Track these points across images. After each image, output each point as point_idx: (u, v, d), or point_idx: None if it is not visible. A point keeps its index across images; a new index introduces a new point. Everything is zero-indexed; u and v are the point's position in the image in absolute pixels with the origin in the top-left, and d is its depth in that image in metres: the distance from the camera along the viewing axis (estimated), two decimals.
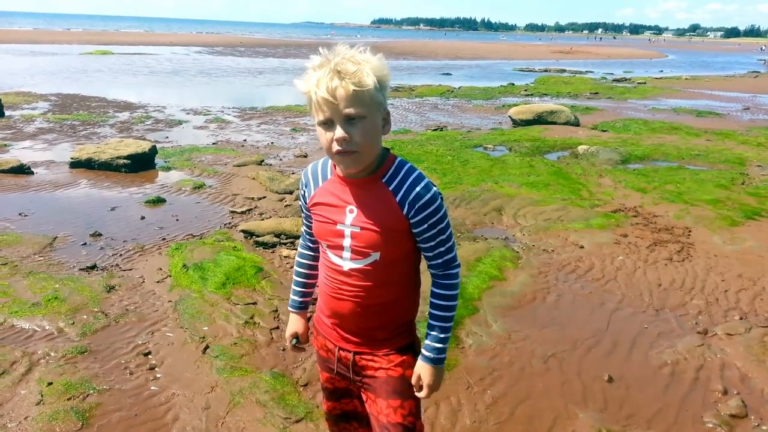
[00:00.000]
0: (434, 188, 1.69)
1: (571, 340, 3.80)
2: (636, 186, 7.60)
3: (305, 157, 9.17)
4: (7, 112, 12.17)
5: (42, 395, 3.07)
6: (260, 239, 5.36)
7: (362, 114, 1.57)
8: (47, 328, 3.77)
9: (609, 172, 8.33)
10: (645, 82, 25.08)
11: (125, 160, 7.86)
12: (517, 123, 12.81)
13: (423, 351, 1.79)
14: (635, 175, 8.20)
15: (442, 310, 1.76)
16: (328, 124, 1.59)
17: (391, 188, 1.67)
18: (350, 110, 1.55)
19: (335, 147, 1.59)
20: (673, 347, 3.75)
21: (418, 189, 1.65)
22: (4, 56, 29.10)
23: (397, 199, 1.66)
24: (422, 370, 1.78)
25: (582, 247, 5.43)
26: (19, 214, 5.95)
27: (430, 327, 1.78)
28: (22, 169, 7.61)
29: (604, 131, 12.13)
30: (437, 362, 1.77)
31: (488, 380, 3.35)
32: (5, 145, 9.40)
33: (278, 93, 18.48)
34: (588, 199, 7.00)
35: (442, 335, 1.77)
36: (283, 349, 3.62)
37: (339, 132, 1.57)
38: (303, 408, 3.06)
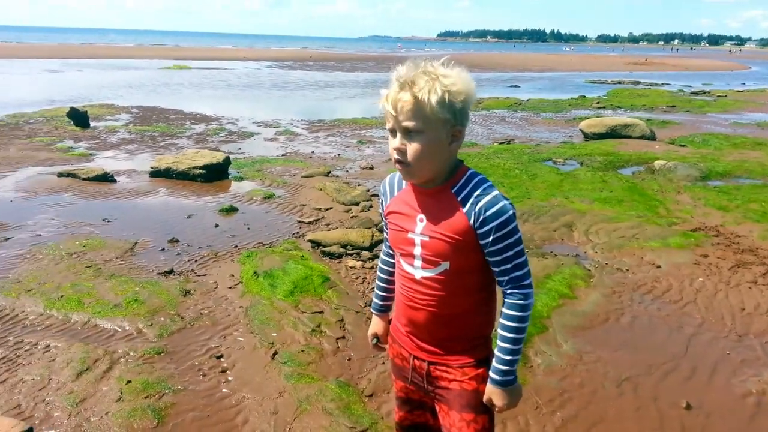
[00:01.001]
0: (504, 201, 1.65)
1: (647, 363, 3.64)
2: (717, 204, 7.23)
3: (371, 169, 9.26)
4: (92, 123, 12.93)
5: (121, 392, 3.22)
6: (327, 249, 5.44)
7: (420, 129, 1.59)
8: (127, 328, 3.96)
9: (688, 189, 7.97)
10: (726, 95, 23.91)
11: (201, 170, 8.18)
12: (588, 136, 12.48)
13: (491, 374, 1.74)
14: (716, 193, 7.81)
15: (509, 331, 1.71)
16: (392, 133, 1.66)
17: (459, 198, 1.67)
18: (408, 123, 1.60)
19: (394, 155, 1.67)
20: (759, 376, 3.53)
21: (485, 200, 1.64)
22: (90, 70, 30.99)
23: (465, 209, 1.66)
24: (491, 392, 1.75)
25: (659, 267, 5.21)
26: (103, 220, 6.29)
27: (498, 348, 1.74)
28: (106, 178, 8.05)
29: (682, 146, 11.63)
30: (505, 384, 1.73)
31: (558, 402, 3.25)
32: (91, 154, 9.98)
33: (345, 106, 18.79)
34: (665, 216, 6.72)
35: (508, 357, 1.71)
36: (349, 359, 3.65)
37: (395, 143, 1.64)
38: (368, 418, 3.06)
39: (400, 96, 1.58)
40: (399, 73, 1.62)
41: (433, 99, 1.56)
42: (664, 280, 4.92)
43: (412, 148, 1.61)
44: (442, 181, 1.70)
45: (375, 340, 2.11)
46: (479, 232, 1.65)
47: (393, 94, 1.60)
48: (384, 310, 2.09)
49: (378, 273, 2.10)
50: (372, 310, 2.13)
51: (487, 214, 1.63)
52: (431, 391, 1.85)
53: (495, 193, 1.66)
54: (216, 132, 12.68)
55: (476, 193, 1.65)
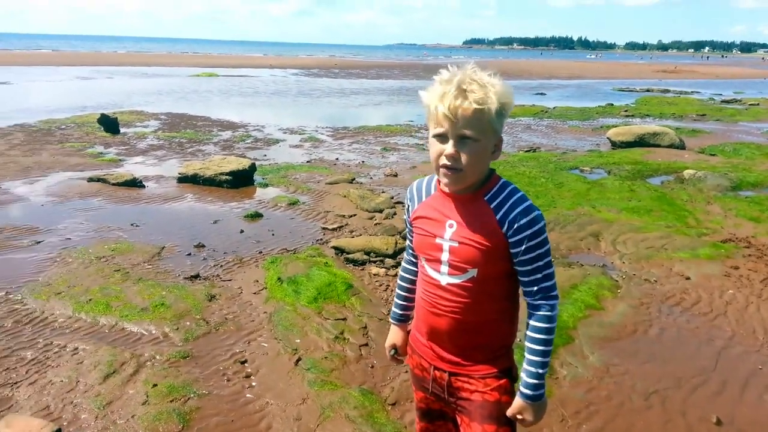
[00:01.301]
0: (537, 211, 1.67)
1: (675, 377, 3.57)
2: (748, 215, 7.07)
3: (395, 176, 9.26)
4: (122, 130, 13.18)
5: (147, 396, 3.26)
6: (350, 256, 5.45)
7: (476, 137, 1.60)
8: (154, 332, 4.01)
9: (718, 199, 7.81)
10: (758, 104, 23.41)
11: (227, 177, 8.27)
12: (616, 145, 12.32)
13: (521, 388, 1.73)
14: (747, 203, 7.64)
15: (538, 344, 1.70)
16: (441, 138, 1.63)
17: (492, 206, 1.68)
18: (466, 131, 1.59)
19: (443, 161, 1.63)
20: None
21: (519, 209, 1.65)
22: (120, 77, 31.64)
23: (498, 217, 1.66)
24: (521, 408, 1.72)
25: (688, 278, 5.11)
26: (132, 225, 6.39)
27: (527, 362, 1.72)
28: (135, 183, 8.19)
29: (713, 155, 11.42)
30: (536, 398, 1.71)
31: (584, 414, 3.20)
32: (120, 160, 10.17)
33: (370, 113, 18.87)
34: (695, 227, 6.59)
35: (540, 370, 1.70)
36: (372, 367, 3.64)
37: (449, 149, 1.61)
38: (391, 427, 3.05)
39: (459, 103, 1.57)
40: (448, 78, 1.61)
41: (493, 109, 1.58)
42: (693, 292, 4.82)
43: (467, 155, 1.61)
44: (477, 187, 1.70)
45: (393, 351, 2.09)
46: (511, 240, 1.65)
47: (451, 99, 1.57)
48: (404, 320, 2.08)
49: (399, 282, 2.08)
50: (391, 319, 2.11)
51: (521, 223, 1.64)
52: (452, 402, 1.83)
53: (528, 203, 1.67)
54: (242, 139, 12.83)
55: (510, 202, 1.66)
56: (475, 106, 1.56)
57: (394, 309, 2.10)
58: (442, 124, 1.61)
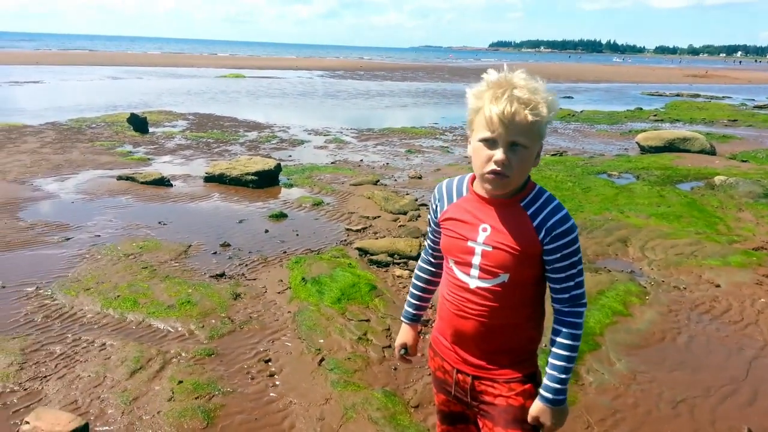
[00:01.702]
0: (572, 220, 1.67)
1: (704, 386, 3.49)
2: None
3: (419, 178, 9.24)
4: (150, 129, 13.39)
5: (173, 392, 3.30)
6: (374, 258, 5.45)
7: (527, 144, 1.59)
8: (180, 329, 4.06)
9: (750, 206, 7.64)
10: None
11: (253, 177, 8.34)
12: (645, 150, 12.13)
13: (541, 391, 1.71)
14: None
15: (564, 350, 1.69)
16: (490, 143, 1.61)
17: (529, 212, 1.67)
18: (520, 139, 1.58)
19: (491, 166, 1.61)
20: None
21: (557, 217, 1.65)
22: (149, 78, 32.15)
23: (535, 223, 1.65)
24: (540, 411, 1.71)
25: (718, 286, 5.00)
26: (159, 223, 6.48)
27: (551, 366, 1.71)
28: (163, 182, 8.31)
29: (744, 161, 11.17)
30: (556, 403, 1.69)
31: (610, 421, 3.15)
32: (149, 159, 10.33)
33: (395, 115, 18.87)
34: (725, 234, 6.45)
35: (563, 375, 1.69)
36: (395, 369, 3.63)
37: (499, 155, 1.59)
38: (414, 430, 3.04)
39: (515, 110, 1.54)
40: (498, 82, 1.59)
41: (545, 119, 1.58)
42: (723, 300, 4.72)
43: (517, 161, 1.60)
44: (514, 193, 1.69)
45: (403, 351, 2.07)
46: (547, 248, 1.65)
47: (506, 105, 1.55)
48: (416, 320, 2.06)
49: (414, 281, 2.06)
50: (403, 318, 2.09)
51: (557, 231, 1.64)
52: (475, 406, 1.82)
53: (565, 211, 1.67)
54: (268, 139, 12.94)
55: (547, 210, 1.66)
56: (531, 114, 1.54)
57: (406, 308, 2.08)
58: (495, 129, 1.58)
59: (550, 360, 1.71)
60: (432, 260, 1.98)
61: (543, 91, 1.58)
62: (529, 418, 1.72)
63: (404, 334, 2.08)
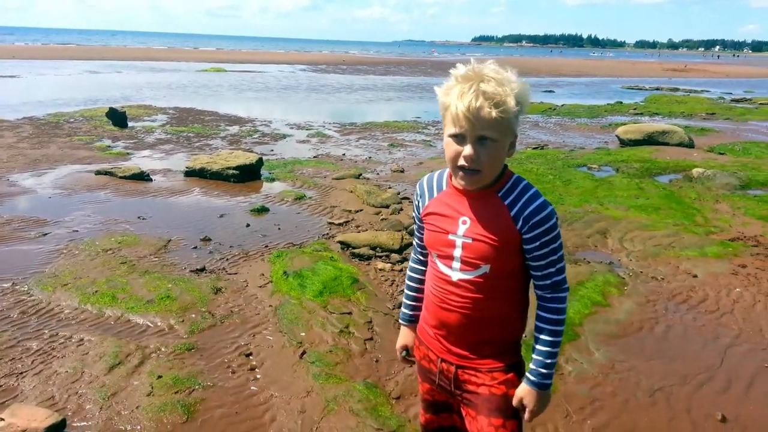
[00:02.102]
0: (550, 207, 1.67)
1: (681, 374, 3.55)
2: (757, 213, 7.02)
3: (402, 172, 9.25)
4: (130, 124, 13.22)
5: (152, 387, 3.27)
6: (356, 251, 5.45)
7: (495, 138, 1.58)
8: (159, 324, 4.02)
9: (727, 198, 7.76)
10: None
11: (234, 171, 8.28)
12: (624, 143, 12.25)
13: (527, 374, 1.74)
14: (756, 202, 7.58)
15: (549, 335, 1.72)
16: (459, 138, 1.61)
17: (506, 202, 1.67)
18: (486, 132, 1.57)
19: (461, 162, 1.61)
20: None
21: (534, 205, 1.65)
22: (128, 72, 31.74)
23: (512, 213, 1.66)
24: (525, 393, 1.73)
25: (695, 276, 5.08)
26: (138, 218, 6.41)
27: (536, 351, 1.74)
28: (142, 176, 8.22)
29: (722, 154, 11.33)
30: (541, 387, 1.72)
31: (589, 410, 3.18)
32: (128, 153, 10.20)
33: (377, 109, 18.84)
34: (703, 225, 6.55)
35: (548, 360, 1.72)
36: (377, 361, 3.64)
37: (468, 150, 1.59)
38: (395, 421, 3.05)
39: (480, 104, 1.53)
40: (466, 76, 1.58)
41: (513, 111, 1.56)
42: (700, 290, 4.79)
43: (485, 155, 1.59)
44: (490, 184, 1.69)
45: (404, 353, 2.08)
46: (525, 237, 1.65)
47: (471, 100, 1.53)
48: (414, 321, 2.05)
49: (407, 282, 2.06)
50: (401, 321, 2.09)
51: (535, 219, 1.64)
52: (458, 394, 1.83)
53: (542, 199, 1.67)
54: (249, 133, 12.85)
55: (524, 199, 1.66)
56: (496, 108, 1.53)
57: (403, 310, 2.08)
58: (461, 125, 1.57)
59: (535, 345, 1.74)
60: (422, 258, 1.98)
61: (511, 82, 1.57)
62: (514, 401, 1.74)
63: (404, 336, 2.07)
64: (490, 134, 1.57)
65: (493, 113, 1.53)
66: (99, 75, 29.28)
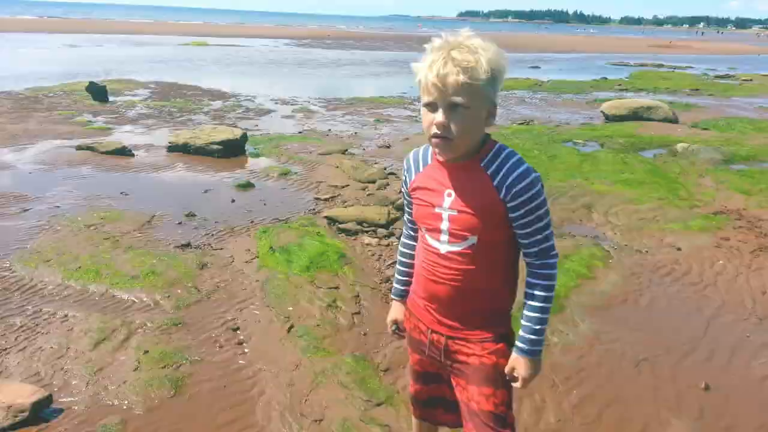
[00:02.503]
0: (534, 174, 1.65)
1: (665, 345, 3.60)
2: (739, 188, 7.09)
3: (388, 147, 9.20)
4: (111, 98, 12.98)
5: (139, 362, 3.25)
6: (343, 226, 5.43)
7: (466, 104, 1.56)
8: (145, 300, 3.99)
9: (710, 172, 7.82)
10: (751, 80, 23.36)
11: (218, 146, 8.18)
12: (609, 118, 12.28)
13: (517, 342, 1.75)
14: (739, 176, 7.65)
15: (538, 301, 1.72)
16: (431, 107, 1.60)
17: (488, 172, 1.65)
18: (456, 99, 1.55)
19: (433, 130, 1.61)
20: None
21: (515, 173, 1.63)
22: (109, 45, 31.08)
23: (495, 183, 1.64)
24: (517, 362, 1.74)
25: (679, 249, 5.13)
26: (121, 193, 6.33)
27: (525, 318, 1.74)
28: (124, 152, 8.09)
29: (705, 129, 11.41)
30: (532, 354, 1.73)
31: (575, 380, 3.23)
32: (109, 128, 10.03)
33: (363, 84, 18.66)
34: (686, 199, 6.61)
35: (537, 326, 1.72)
36: (365, 334, 3.65)
37: (439, 117, 1.58)
38: (384, 392, 3.06)
39: (448, 70, 1.53)
40: (439, 46, 1.58)
41: (483, 75, 1.54)
42: (684, 263, 4.84)
43: (457, 123, 1.58)
44: (472, 155, 1.67)
45: (395, 327, 2.07)
46: (510, 205, 1.64)
47: (439, 67, 1.53)
48: (405, 296, 2.04)
49: (399, 257, 2.05)
50: (392, 296, 2.09)
51: (518, 188, 1.62)
52: (449, 365, 1.84)
53: (525, 166, 1.65)
54: (233, 108, 12.68)
55: (506, 167, 1.64)
56: (461, 72, 1.52)
57: (395, 285, 2.07)
58: (432, 93, 1.57)
59: (525, 312, 1.74)
60: (412, 233, 1.97)
61: (485, 49, 1.56)
62: (506, 369, 1.75)
63: (394, 310, 2.07)
64: (459, 100, 1.55)
65: (461, 78, 1.52)
66: (79, 48, 28.63)
